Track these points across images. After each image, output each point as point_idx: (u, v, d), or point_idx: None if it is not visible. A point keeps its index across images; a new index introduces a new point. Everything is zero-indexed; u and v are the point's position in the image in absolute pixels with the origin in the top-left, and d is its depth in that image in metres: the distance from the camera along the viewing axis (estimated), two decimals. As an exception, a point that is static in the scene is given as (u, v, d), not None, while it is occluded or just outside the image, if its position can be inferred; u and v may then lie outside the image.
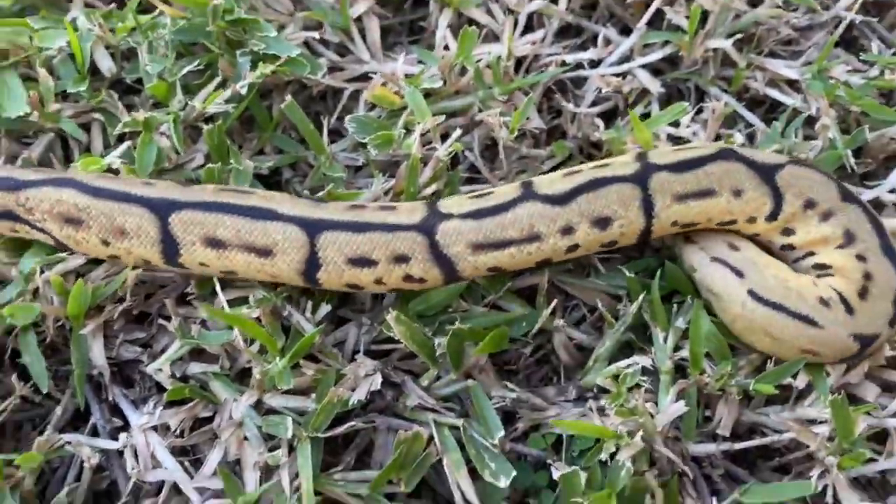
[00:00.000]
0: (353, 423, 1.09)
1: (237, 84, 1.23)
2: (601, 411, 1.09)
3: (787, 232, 1.18)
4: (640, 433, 1.01)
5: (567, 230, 1.13)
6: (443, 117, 1.24)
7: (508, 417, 1.14)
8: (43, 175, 1.14)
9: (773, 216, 1.16)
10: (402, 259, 1.11)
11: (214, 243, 1.10)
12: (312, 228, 1.11)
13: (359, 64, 1.38)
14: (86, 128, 1.26)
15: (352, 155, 1.31)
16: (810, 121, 1.34)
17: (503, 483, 1.04)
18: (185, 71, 1.24)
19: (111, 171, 1.18)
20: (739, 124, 1.37)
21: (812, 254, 1.17)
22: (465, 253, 1.12)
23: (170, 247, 1.11)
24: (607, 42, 1.40)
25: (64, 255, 1.14)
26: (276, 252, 1.10)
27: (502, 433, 1.06)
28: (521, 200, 1.14)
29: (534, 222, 1.12)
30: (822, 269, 1.16)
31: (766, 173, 1.16)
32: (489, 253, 1.12)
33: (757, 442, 1.10)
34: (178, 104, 1.23)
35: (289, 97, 1.23)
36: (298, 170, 1.32)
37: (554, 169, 1.32)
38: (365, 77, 1.37)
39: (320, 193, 1.23)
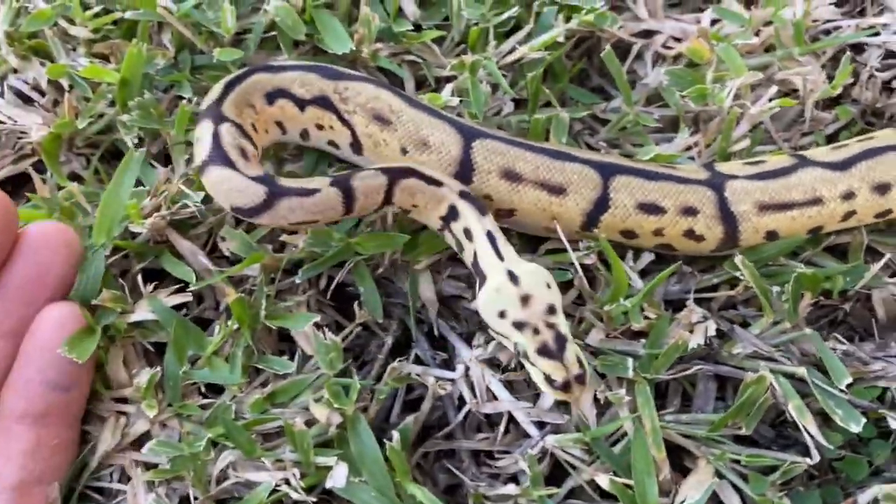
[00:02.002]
0: (686, 367, 1.10)
1: (552, 32, 1.25)
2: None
3: None
4: None
5: (847, 195, 1.14)
6: (759, 74, 1.25)
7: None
8: (363, 74, 1.19)
9: None
10: (690, 211, 1.12)
11: (511, 175, 1.12)
12: (607, 171, 1.13)
13: (635, 22, 1.39)
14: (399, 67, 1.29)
15: (646, 110, 1.32)
16: None
17: (855, 428, 1.04)
18: (501, 19, 1.26)
19: (447, 108, 1.19)
20: None
21: None
22: (751, 212, 1.13)
23: (465, 170, 1.12)
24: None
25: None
26: (570, 191, 1.12)
27: (850, 379, 1.07)
28: (799, 167, 1.16)
29: (816, 185, 1.14)
30: None
31: None
32: (772, 215, 1.13)
33: None
34: (492, 50, 1.25)
35: (608, 47, 1.24)
36: (585, 123, 1.33)
37: (835, 134, 1.33)
38: (646, 34, 1.38)
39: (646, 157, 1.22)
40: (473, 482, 1.08)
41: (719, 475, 1.06)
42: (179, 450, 0.99)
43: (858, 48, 1.40)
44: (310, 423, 1.05)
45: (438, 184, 1.08)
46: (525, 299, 0.99)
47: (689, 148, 1.26)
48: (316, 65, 1.17)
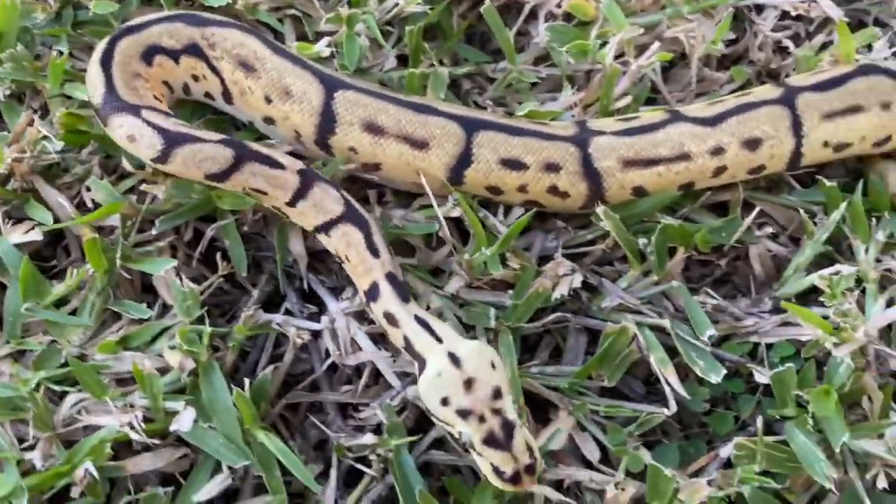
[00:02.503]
0: (551, 317, 1.09)
1: (433, -12, 1.24)
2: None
3: None
4: (863, 329, 1.00)
5: (717, 150, 1.13)
6: (640, 30, 1.24)
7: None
8: (229, 20, 1.18)
9: None
10: (552, 167, 1.12)
11: (373, 128, 1.11)
12: (470, 126, 1.12)
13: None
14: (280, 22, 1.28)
15: (532, 68, 1.31)
16: None
17: (715, 379, 1.03)
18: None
19: (320, 60, 1.19)
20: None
21: None
22: (615, 168, 1.12)
23: (327, 122, 1.11)
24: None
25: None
26: (432, 145, 1.11)
27: (712, 331, 1.06)
28: (670, 122, 1.15)
29: (684, 141, 1.13)
30: None
31: None
32: (637, 170, 1.13)
33: (968, 358, 1.08)
34: (373, 3, 1.25)
35: (488, 2, 1.23)
36: (475, 81, 1.33)
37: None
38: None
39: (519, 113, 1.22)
40: (337, 434, 1.07)
41: (582, 427, 1.05)
42: (13, 389, 0.98)
43: (760, 9, 1.40)
44: (165, 371, 1.04)
45: (375, 253, 1.05)
46: (469, 384, 0.93)
47: (573, 106, 1.25)
48: (179, 13, 1.17)
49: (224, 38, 1.13)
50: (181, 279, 1.06)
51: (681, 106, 1.20)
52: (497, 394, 0.93)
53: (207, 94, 1.18)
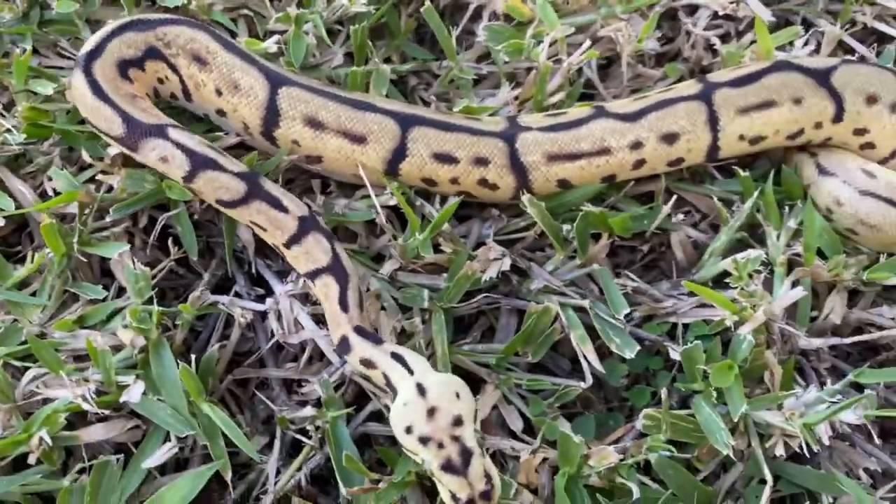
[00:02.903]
0: (482, 297, 1.17)
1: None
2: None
3: (861, 132, 1.24)
4: (763, 308, 1.07)
5: (636, 145, 1.20)
6: (571, 28, 1.31)
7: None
8: (178, 17, 1.24)
9: (837, 118, 1.23)
10: (482, 162, 1.19)
11: (314, 123, 1.18)
12: (405, 122, 1.19)
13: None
14: (233, 22, 1.35)
15: (475, 65, 1.39)
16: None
17: (629, 354, 1.10)
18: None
19: (268, 56, 1.26)
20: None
21: None
22: (540, 162, 1.20)
23: (272, 116, 1.18)
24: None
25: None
26: (370, 140, 1.18)
27: (627, 309, 1.13)
28: (594, 118, 1.22)
29: (605, 136, 1.20)
30: None
31: (821, 77, 1.23)
32: (561, 164, 1.20)
33: (866, 337, 1.15)
34: (321, 4, 1.32)
35: (428, 2, 1.31)
36: (422, 79, 1.40)
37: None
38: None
39: (456, 108, 1.30)
40: (281, 408, 1.14)
41: (508, 401, 1.13)
42: (-26, 364, 1.06)
43: (694, 9, 1.47)
44: (119, 348, 1.11)
45: (345, 308, 1.09)
46: (431, 412, 0.95)
47: (510, 102, 1.32)
48: (124, 23, 1.21)
49: (177, 35, 1.20)
50: (134, 262, 1.13)
51: (608, 102, 1.27)
52: (458, 422, 0.95)
53: (172, 95, 1.25)
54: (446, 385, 0.98)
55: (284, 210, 1.13)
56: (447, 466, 0.92)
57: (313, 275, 1.13)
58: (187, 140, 1.14)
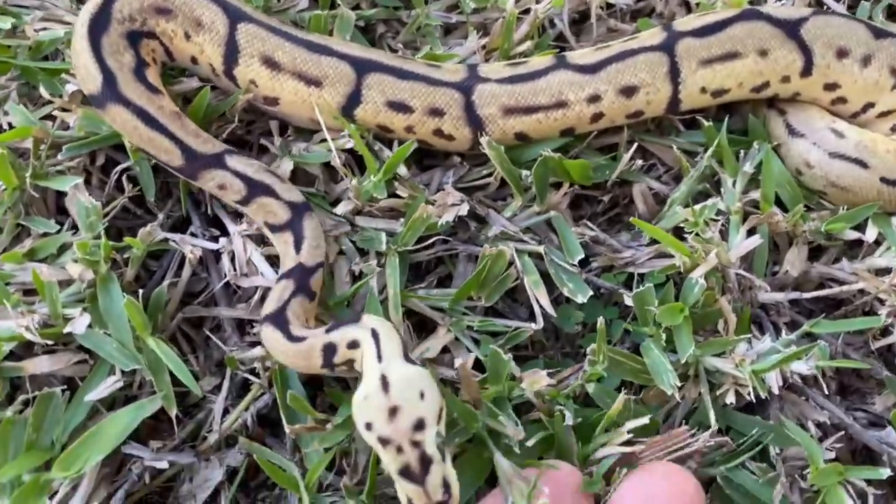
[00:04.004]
0: (437, 245, 1.15)
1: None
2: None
3: (832, 87, 1.21)
4: (715, 252, 1.05)
5: (594, 98, 1.18)
6: (540, -24, 1.30)
7: (583, 262, 1.19)
8: None
9: (806, 72, 1.19)
10: (437, 112, 1.17)
11: (271, 63, 1.16)
12: (362, 67, 1.17)
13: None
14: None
15: (444, 14, 1.37)
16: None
17: (580, 299, 1.09)
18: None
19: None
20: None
21: (871, 105, 1.20)
22: (496, 116, 1.18)
23: (231, 52, 1.17)
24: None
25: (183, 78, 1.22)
26: (325, 84, 1.16)
27: (582, 255, 1.12)
28: (553, 69, 1.19)
29: (563, 89, 1.18)
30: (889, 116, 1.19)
31: (791, 28, 1.19)
32: (518, 117, 1.18)
33: (826, 292, 1.14)
34: (287, -53, 1.31)
35: (396, -54, 1.30)
36: (391, 27, 1.38)
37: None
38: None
39: (419, 55, 1.28)
40: (232, 349, 1.13)
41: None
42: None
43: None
44: (70, 283, 1.10)
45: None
46: (393, 411, 0.90)
47: (478, 51, 1.31)
48: (92, 26, 1.14)
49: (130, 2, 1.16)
50: (86, 196, 1.12)
51: (567, 52, 1.24)
52: (420, 425, 0.90)
53: (163, 64, 1.23)
54: (410, 382, 0.93)
55: (301, 243, 1.10)
56: (405, 472, 0.89)
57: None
58: (242, 167, 1.13)
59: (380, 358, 0.95)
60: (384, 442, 0.90)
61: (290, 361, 1.03)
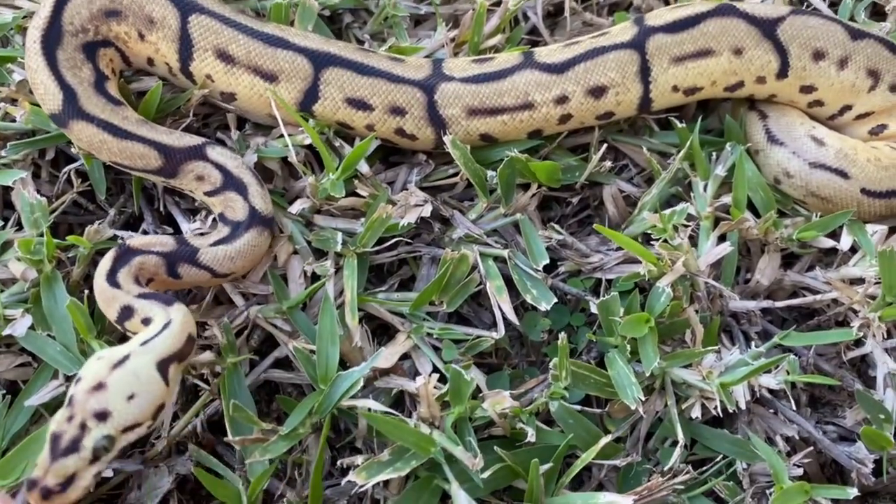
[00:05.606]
0: (399, 246, 1.11)
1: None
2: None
3: (808, 89, 1.17)
4: (683, 260, 1.02)
5: (561, 99, 1.13)
6: (511, -32, 1.25)
7: (550, 267, 1.15)
8: None
9: (782, 73, 1.15)
10: (398, 111, 1.13)
11: (225, 57, 1.11)
12: (320, 61, 1.12)
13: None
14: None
15: (413, 4, 1.33)
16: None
17: (544, 306, 1.05)
18: None
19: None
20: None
21: (848, 107, 1.16)
22: (460, 117, 1.13)
23: (185, 47, 1.11)
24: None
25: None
26: (281, 79, 1.12)
27: (547, 260, 1.08)
28: (520, 67, 1.14)
29: (529, 90, 1.13)
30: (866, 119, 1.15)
31: (767, 27, 1.14)
32: (482, 119, 1.13)
33: (798, 301, 1.10)
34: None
35: (362, -66, 1.25)
36: (358, 17, 1.34)
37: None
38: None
39: (384, 47, 1.24)
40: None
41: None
42: None
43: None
44: (13, 282, 1.06)
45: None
46: (99, 386, 0.88)
47: (446, 44, 1.26)
48: (43, 43, 1.08)
49: (79, 10, 1.10)
50: (30, 192, 1.08)
51: (536, 49, 1.19)
52: (102, 416, 0.86)
53: (121, 73, 1.18)
54: (134, 381, 0.89)
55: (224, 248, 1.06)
56: (54, 438, 0.85)
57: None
58: (226, 160, 1.09)
59: (144, 344, 0.92)
60: (69, 400, 0.87)
61: (97, 297, 1.01)
